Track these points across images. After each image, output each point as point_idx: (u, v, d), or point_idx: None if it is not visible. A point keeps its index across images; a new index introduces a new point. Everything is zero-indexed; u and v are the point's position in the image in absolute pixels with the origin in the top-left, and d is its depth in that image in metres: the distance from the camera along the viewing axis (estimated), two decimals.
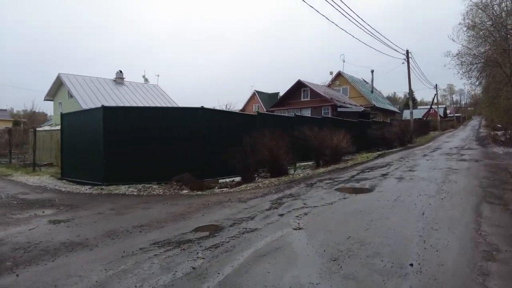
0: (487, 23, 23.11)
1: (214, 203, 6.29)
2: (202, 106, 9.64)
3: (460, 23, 23.52)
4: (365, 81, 35.57)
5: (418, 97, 77.40)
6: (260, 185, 7.98)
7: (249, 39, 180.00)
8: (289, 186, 7.69)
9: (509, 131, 23.00)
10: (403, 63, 27.82)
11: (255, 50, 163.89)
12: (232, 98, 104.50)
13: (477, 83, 27.92)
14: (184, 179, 8.72)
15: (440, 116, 61.99)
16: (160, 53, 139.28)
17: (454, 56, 24.80)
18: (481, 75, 27.08)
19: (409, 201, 5.67)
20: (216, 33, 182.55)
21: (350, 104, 26.06)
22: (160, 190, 7.98)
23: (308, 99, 26.17)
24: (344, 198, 6.12)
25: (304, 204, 5.79)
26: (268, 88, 72.88)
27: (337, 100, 24.23)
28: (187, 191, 8.19)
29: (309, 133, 12.23)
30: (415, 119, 52.07)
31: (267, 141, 9.86)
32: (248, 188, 7.78)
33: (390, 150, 18.73)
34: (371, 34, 17.51)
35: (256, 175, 10.10)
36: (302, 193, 6.81)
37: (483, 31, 23.61)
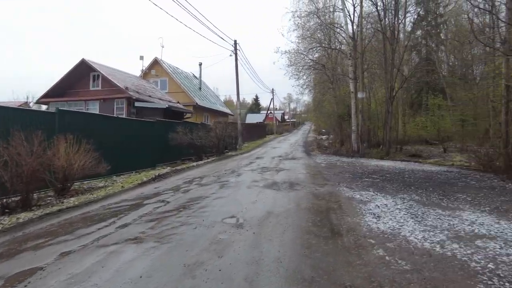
0: (314, 18, 20.69)
1: None
2: None
3: (287, 13, 20.91)
4: (195, 76, 29.95)
5: (264, 103, 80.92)
6: None
7: None
8: None
9: (332, 136, 21.45)
10: (230, 55, 23.53)
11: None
12: None
13: (304, 86, 26.24)
14: None
15: (278, 120, 65.29)
16: None
17: (284, 53, 21.95)
18: (309, 77, 25.65)
19: None
20: None
21: (162, 99, 19.34)
22: None
23: (100, 88, 17.91)
24: None
25: None
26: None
27: (135, 92, 16.99)
28: None
29: None
30: (256, 122, 52.00)
31: None
32: None
33: (195, 163, 12.90)
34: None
35: None
36: None
37: (308, 29, 21.47)
